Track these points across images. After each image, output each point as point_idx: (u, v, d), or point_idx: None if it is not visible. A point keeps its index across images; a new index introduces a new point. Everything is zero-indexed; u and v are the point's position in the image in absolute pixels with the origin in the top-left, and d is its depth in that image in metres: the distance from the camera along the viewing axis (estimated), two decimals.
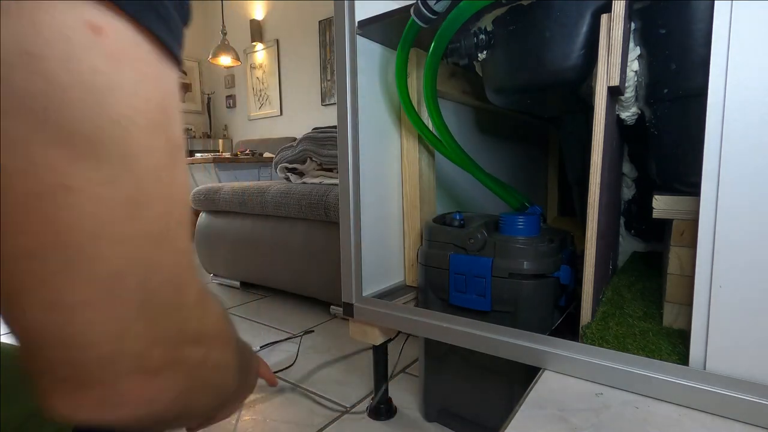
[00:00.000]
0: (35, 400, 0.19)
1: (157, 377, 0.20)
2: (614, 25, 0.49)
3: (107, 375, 0.18)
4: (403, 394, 0.89)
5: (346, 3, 0.68)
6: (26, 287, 0.16)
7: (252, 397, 0.93)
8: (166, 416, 0.22)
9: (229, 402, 0.33)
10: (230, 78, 5.18)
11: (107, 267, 0.17)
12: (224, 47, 3.74)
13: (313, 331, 1.28)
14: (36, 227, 0.15)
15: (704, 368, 0.44)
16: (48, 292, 0.16)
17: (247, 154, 2.78)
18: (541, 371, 0.52)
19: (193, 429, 0.42)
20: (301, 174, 1.55)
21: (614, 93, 0.54)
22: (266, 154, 2.80)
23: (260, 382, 0.48)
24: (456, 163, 0.74)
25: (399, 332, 0.78)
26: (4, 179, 0.15)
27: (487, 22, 0.64)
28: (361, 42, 0.71)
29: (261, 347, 1.16)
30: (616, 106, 0.61)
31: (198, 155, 2.82)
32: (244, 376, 0.33)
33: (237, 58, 3.88)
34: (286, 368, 1.04)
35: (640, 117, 0.62)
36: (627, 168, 0.84)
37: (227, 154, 2.92)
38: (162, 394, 0.21)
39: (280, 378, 1.00)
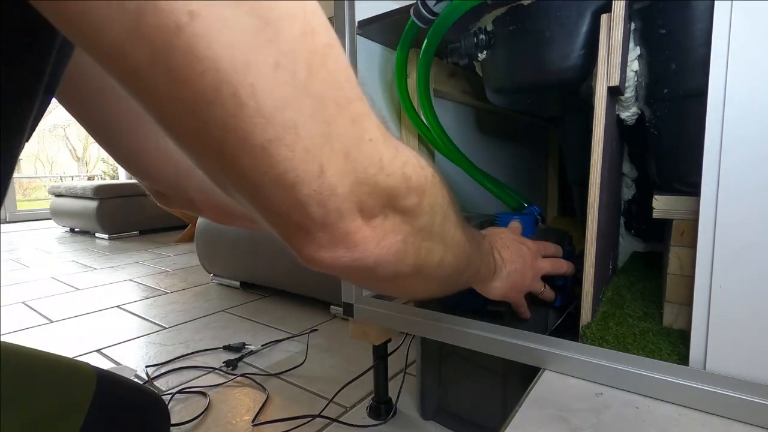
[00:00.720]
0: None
1: (375, 218, 0.21)
2: (614, 25, 0.49)
3: (328, 216, 0.20)
4: (403, 394, 0.89)
5: (346, 3, 0.68)
6: (211, 143, 0.17)
7: (252, 396, 0.93)
8: (403, 265, 0.24)
9: (489, 272, 0.33)
10: None
11: (270, 100, 0.16)
12: None
13: (317, 329, 1.29)
14: (184, 71, 0.15)
15: (704, 368, 0.44)
16: (233, 137, 0.16)
17: None
18: (541, 371, 0.52)
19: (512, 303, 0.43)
20: None
21: (614, 93, 0.54)
22: None
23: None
24: (454, 162, 0.74)
25: (406, 334, 0.78)
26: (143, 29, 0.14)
27: (487, 22, 0.64)
28: (361, 42, 0.71)
29: (262, 346, 1.16)
30: (616, 106, 0.61)
31: None
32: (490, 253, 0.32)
33: None
34: (296, 367, 1.05)
35: (640, 117, 0.62)
36: (627, 168, 0.84)
37: None
38: (385, 237, 0.22)
39: (281, 378, 1.00)
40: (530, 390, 0.48)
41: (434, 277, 0.29)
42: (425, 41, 0.64)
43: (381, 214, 0.22)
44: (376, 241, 0.22)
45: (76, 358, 0.44)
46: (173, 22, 0.13)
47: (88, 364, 0.42)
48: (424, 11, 0.60)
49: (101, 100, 0.35)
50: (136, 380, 1.01)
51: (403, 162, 0.22)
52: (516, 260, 0.51)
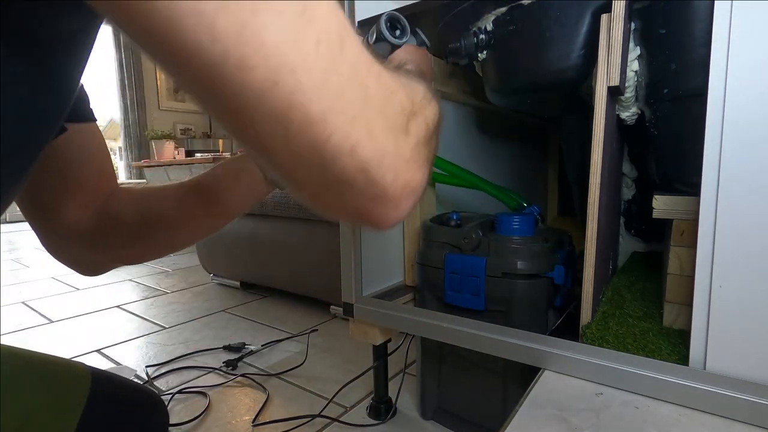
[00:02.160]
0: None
1: (417, 161, 0.24)
2: (614, 25, 0.49)
3: (388, 174, 0.22)
4: (403, 394, 0.89)
5: (346, 3, 0.68)
6: (280, 122, 0.19)
7: (252, 396, 0.93)
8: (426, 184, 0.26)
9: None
10: None
11: (319, 73, 0.19)
12: None
13: (317, 329, 1.29)
14: (253, 58, 0.17)
15: (704, 368, 0.44)
16: (298, 113, 0.19)
17: None
18: (541, 371, 0.52)
19: None
20: None
21: (614, 93, 0.54)
22: None
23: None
24: (451, 178, 0.75)
25: (407, 334, 0.78)
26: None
27: (487, 22, 0.64)
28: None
29: (262, 346, 1.16)
30: (616, 106, 0.61)
31: (198, 155, 2.82)
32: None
33: None
34: (296, 367, 1.05)
35: (640, 117, 0.62)
36: (627, 168, 0.84)
37: (228, 154, 2.92)
38: (422, 175, 0.25)
39: (281, 378, 1.00)
40: (530, 390, 0.48)
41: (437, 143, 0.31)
42: None
43: (418, 153, 0.24)
44: (422, 177, 0.25)
45: (72, 359, 0.44)
46: (240, 18, 0.16)
47: (83, 364, 0.42)
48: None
49: (46, 165, 0.38)
50: (135, 380, 1.01)
51: (417, 101, 0.25)
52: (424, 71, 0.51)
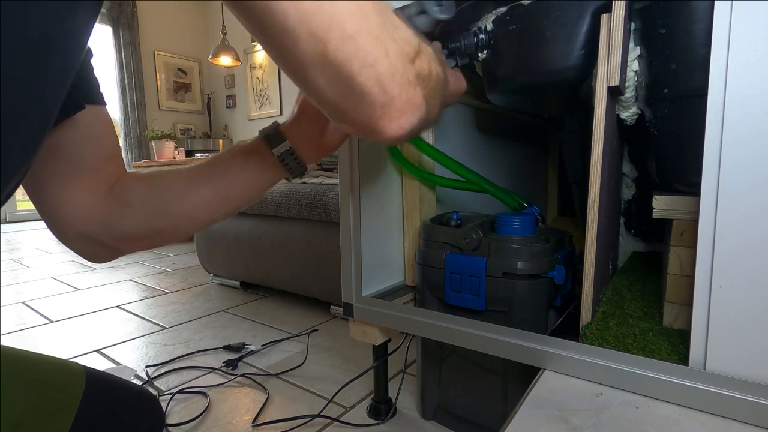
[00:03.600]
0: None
1: (416, 87, 0.30)
2: (614, 25, 0.49)
3: (396, 88, 0.28)
4: (403, 394, 0.89)
5: None
6: (320, 40, 0.25)
7: (252, 396, 0.93)
8: (422, 121, 0.32)
9: (443, 104, 0.40)
10: (230, 78, 5.18)
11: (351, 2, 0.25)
12: (224, 47, 3.74)
13: (317, 329, 1.29)
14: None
15: (704, 368, 0.44)
16: (337, 32, 0.25)
17: None
18: (541, 371, 0.52)
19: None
20: None
21: (614, 93, 0.54)
22: None
23: None
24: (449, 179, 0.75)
25: (407, 334, 0.78)
26: None
27: (487, 22, 0.64)
28: None
29: (262, 346, 1.16)
30: (616, 106, 0.61)
31: (198, 155, 2.82)
32: (446, 83, 0.40)
33: (237, 58, 3.88)
34: (296, 367, 1.05)
35: (640, 117, 0.62)
36: (627, 168, 0.84)
37: None
38: (421, 99, 0.30)
39: (281, 378, 1.00)
40: (530, 390, 0.48)
41: (432, 119, 0.36)
42: None
43: (419, 82, 0.30)
44: (421, 102, 0.31)
45: (68, 359, 0.44)
46: None
47: (77, 364, 0.42)
48: None
49: (37, 162, 0.38)
50: (135, 380, 1.01)
51: (420, 48, 0.31)
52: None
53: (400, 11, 0.50)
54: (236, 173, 0.45)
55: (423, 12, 0.50)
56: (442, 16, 0.50)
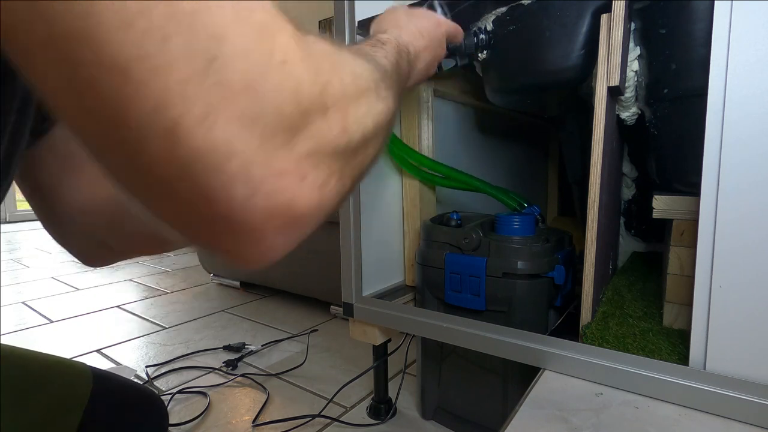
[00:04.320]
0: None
1: (309, 175, 0.16)
2: (614, 25, 0.49)
3: (216, 176, 0.14)
4: (403, 394, 0.89)
5: (346, 3, 0.68)
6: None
7: (252, 396, 0.93)
8: (347, 194, 0.20)
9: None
10: None
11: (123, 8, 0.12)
12: None
13: (317, 329, 1.29)
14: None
15: (704, 368, 0.44)
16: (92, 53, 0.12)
17: None
18: (541, 371, 0.52)
19: None
20: None
21: (614, 93, 0.54)
22: None
23: None
24: (447, 181, 0.76)
25: (407, 334, 0.78)
26: None
27: (487, 22, 0.64)
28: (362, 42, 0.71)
29: (262, 346, 1.16)
30: (616, 106, 0.61)
31: None
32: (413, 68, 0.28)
33: None
34: (296, 367, 1.04)
35: (640, 117, 0.62)
36: (627, 168, 0.84)
37: None
38: (325, 184, 0.17)
39: (281, 378, 1.00)
40: (530, 390, 0.48)
41: (375, 155, 0.23)
42: None
43: (313, 165, 0.16)
44: (315, 200, 0.17)
45: (73, 359, 0.43)
46: None
47: (84, 364, 0.42)
48: None
49: (35, 156, 0.35)
50: (135, 380, 1.01)
51: (323, 85, 0.17)
52: (421, 40, 0.48)
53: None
54: None
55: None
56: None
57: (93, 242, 0.40)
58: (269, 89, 0.14)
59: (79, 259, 0.41)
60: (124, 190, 0.16)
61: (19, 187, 0.38)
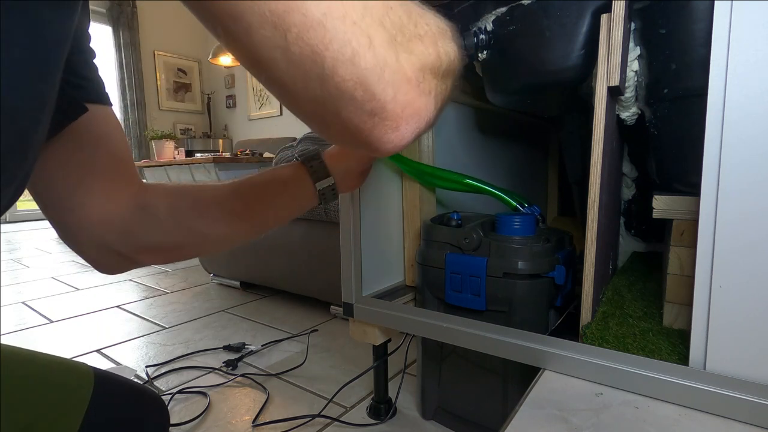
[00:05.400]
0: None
1: (419, 85, 0.23)
2: (614, 25, 0.49)
3: (388, 89, 0.22)
4: (403, 394, 0.89)
5: None
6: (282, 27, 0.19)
7: (252, 396, 0.93)
8: (429, 124, 0.26)
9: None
10: (230, 78, 5.18)
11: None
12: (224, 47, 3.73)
13: (317, 330, 1.29)
14: None
15: (704, 368, 0.44)
16: (297, 16, 0.19)
17: (247, 154, 2.78)
18: (541, 371, 0.52)
19: None
20: None
21: (614, 93, 0.54)
22: (266, 154, 2.80)
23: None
24: (448, 184, 0.76)
25: (407, 334, 0.78)
26: None
27: (487, 22, 0.64)
28: None
29: (262, 346, 1.16)
30: (616, 106, 0.61)
31: (198, 155, 2.82)
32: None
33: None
34: (296, 367, 1.05)
35: (640, 117, 0.62)
36: (627, 168, 0.84)
37: (227, 154, 2.92)
38: (425, 102, 0.24)
39: (281, 378, 1.00)
40: (530, 390, 0.48)
41: (451, 91, 0.30)
42: None
43: (423, 77, 0.23)
44: (427, 105, 0.24)
45: (74, 359, 0.43)
46: None
47: (85, 365, 0.42)
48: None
49: (46, 168, 0.36)
50: (136, 380, 1.01)
51: (426, 26, 0.24)
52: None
53: None
54: (269, 199, 0.44)
55: None
56: None
57: (106, 250, 0.40)
58: (390, 26, 0.22)
59: (92, 266, 0.42)
60: (312, 120, 0.24)
61: (34, 199, 0.38)
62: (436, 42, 0.25)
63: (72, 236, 0.39)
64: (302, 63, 0.20)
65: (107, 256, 0.41)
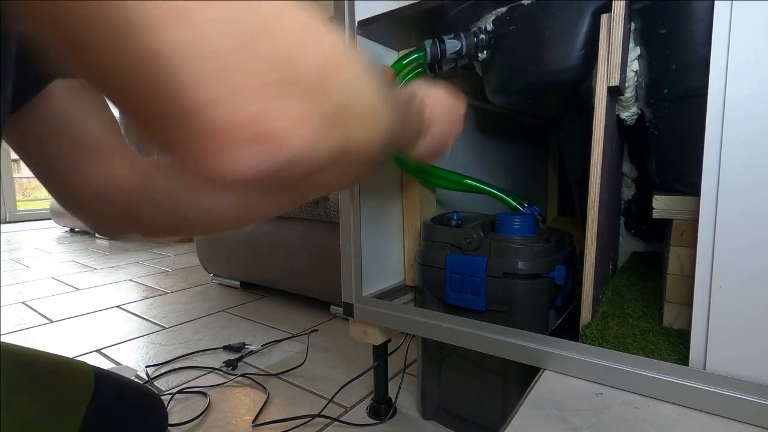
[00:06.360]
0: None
1: (287, 102, 0.17)
2: (614, 25, 0.49)
3: (230, 99, 0.15)
4: (403, 394, 0.89)
5: (346, 3, 0.68)
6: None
7: (252, 396, 0.93)
8: (324, 152, 0.19)
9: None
10: None
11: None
12: None
13: (317, 330, 1.29)
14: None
15: (704, 368, 0.44)
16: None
17: None
18: (541, 371, 0.53)
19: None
20: None
21: (614, 93, 0.54)
22: None
23: None
24: (448, 184, 0.76)
25: (407, 334, 0.78)
26: None
27: (487, 22, 0.64)
28: (361, 42, 0.71)
29: (262, 346, 1.16)
30: (616, 106, 0.61)
31: None
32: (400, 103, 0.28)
33: None
34: (296, 367, 1.04)
35: (640, 117, 0.62)
36: (627, 168, 0.84)
37: None
38: (302, 123, 0.18)
39: (281, 378, 1.00)
40: (530, 390, 0.48)
41: (357, 162, 0.24)
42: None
43: (292, 97, 0.17)
44: (293, 129, 0.17)
45: (75, 358, 0.43)
46: None
47: (86, 364, 0.42)
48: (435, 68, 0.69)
49: (42, 133, 0.35)
50: (136, 380, 1.01)
51: (315, 39, 0.18)
52: (445, 120, 0.49)
53: None
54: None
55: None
56: None
57: (106, 218, 0.40)
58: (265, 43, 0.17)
59: (92, 230, 0.41)
60: (134, 115, 0.17)
61: (32, 172, 0.38)
62: (335, 72, 0.19)
63: (71, 205, 0.39)
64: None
65: (106, 222, 0.40)
